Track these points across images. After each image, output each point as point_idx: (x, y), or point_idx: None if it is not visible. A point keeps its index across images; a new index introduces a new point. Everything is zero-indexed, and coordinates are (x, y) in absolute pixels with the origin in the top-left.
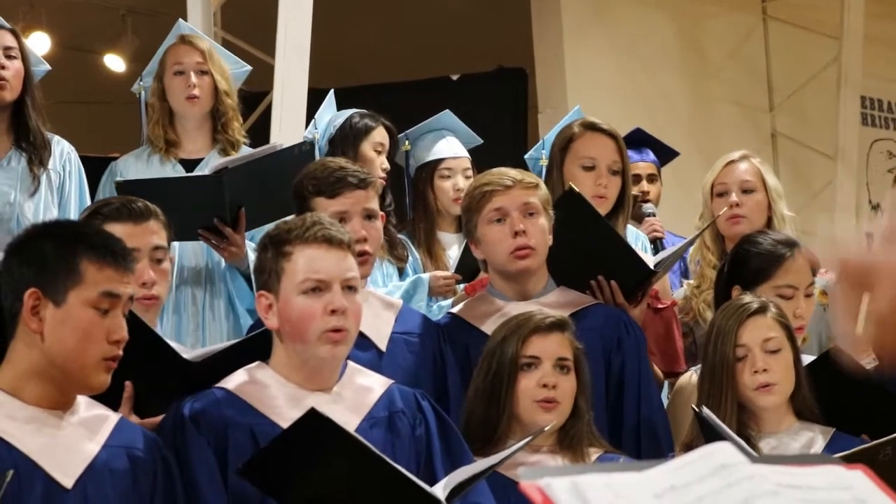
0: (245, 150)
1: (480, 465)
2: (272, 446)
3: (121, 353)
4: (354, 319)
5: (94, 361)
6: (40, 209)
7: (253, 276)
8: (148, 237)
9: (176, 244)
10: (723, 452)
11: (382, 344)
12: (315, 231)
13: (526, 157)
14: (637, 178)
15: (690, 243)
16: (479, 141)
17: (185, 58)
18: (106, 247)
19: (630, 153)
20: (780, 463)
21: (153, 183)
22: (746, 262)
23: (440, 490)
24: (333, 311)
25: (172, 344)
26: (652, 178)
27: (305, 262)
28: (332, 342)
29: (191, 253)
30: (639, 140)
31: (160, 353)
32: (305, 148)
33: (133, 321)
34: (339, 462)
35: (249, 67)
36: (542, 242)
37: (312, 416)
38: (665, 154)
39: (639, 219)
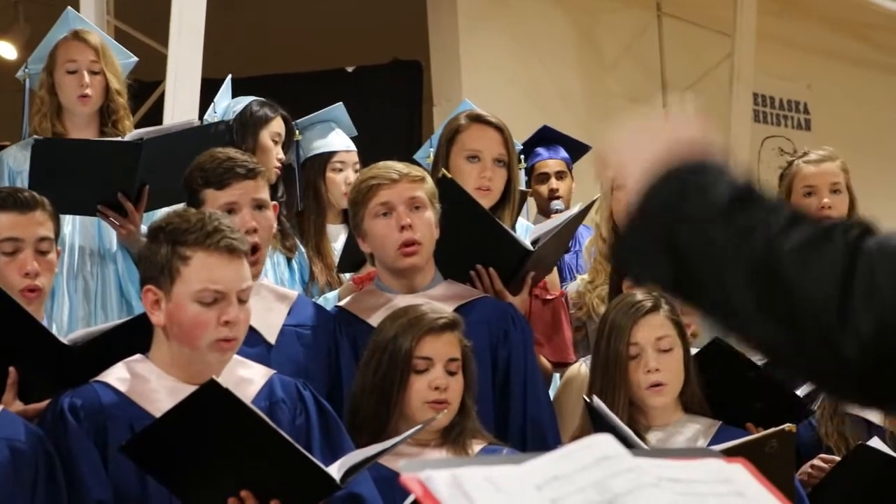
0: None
1: (373, 449)
2: (164, 420)
3: None
4: (245, 327)
5: None
6: None
7: (138, 263)
8: (34, 228)
9: (69, 221)
10: (604, 444)
11: (271, 337)
12: (217, 239)
13: (415, 156)
14: (545, 177)
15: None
16: (355, 133)
17: (78, 55)
18: None
19: (540, 150)
20: (661, 456)
21: (71, 143)
22: None
23: (335, 471)
24: (227, 322)
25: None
26: (561, 175)
27: (205, 271)
28: (221, 350)
29: (83, 234)
30: (548, 137)
31: (37, 336)
32: (221, 128)
33: (6, 304)
34: (234, 436)
35: (136, 59)
36: (429, 236)
37: (211, 386)
38: (576, 150)
39: (547, 215)
